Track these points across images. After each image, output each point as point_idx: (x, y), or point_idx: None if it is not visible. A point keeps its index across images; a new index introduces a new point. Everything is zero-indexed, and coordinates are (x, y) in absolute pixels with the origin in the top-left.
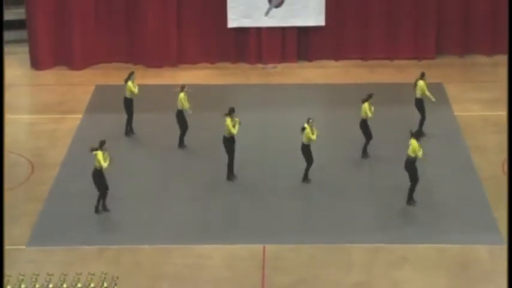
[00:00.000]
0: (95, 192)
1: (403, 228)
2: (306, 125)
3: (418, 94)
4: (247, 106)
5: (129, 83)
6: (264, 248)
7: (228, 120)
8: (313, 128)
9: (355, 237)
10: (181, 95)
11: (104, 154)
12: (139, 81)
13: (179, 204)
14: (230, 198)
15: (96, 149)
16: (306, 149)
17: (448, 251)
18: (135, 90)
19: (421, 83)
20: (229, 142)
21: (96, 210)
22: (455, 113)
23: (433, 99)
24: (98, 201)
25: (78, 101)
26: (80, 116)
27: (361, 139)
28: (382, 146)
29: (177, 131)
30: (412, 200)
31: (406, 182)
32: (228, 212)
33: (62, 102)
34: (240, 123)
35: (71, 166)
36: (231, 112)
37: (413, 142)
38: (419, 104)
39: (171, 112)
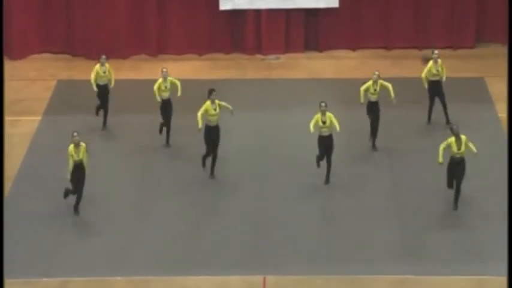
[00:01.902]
0: (56, 213)
1: (434, 256)
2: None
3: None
4: (244, 105)
5: (97, 67)
6: (264, 279)
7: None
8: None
9: (376, 267)
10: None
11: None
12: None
13: (160, 225)
14: (222, 218)
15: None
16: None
17: (489, 283)
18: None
19: (430, 64)
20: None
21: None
22: (499, 114)
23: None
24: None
25: (36, 100)
26: (39, 117)
27: (381, 145)
28: (408, 153)
29: (157, 134)
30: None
31: (437, 198)
32: (220, 235)
33: (16, 101)
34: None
35: (28, 180)
36: (211, 93)
37: (452, 141)
38: (437, 86)
39: (150, 111)
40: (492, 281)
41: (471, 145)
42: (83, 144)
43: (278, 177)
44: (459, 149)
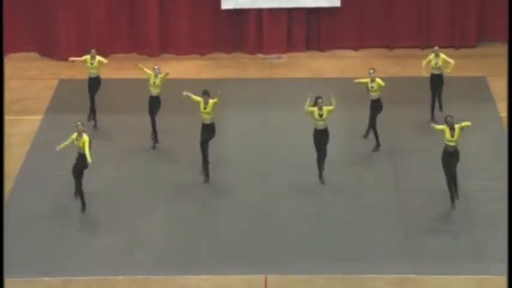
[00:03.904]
0: (57, 212)
1: (436, 256)
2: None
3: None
4: (245, 104)
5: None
6: (265, 279)
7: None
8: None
9: (377, 266)
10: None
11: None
12: (113, 74)
13: (161, 224)
14: (224, 217)
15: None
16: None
17: (489, 283)
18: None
19: (442, 55)
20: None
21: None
22: (502, 114)
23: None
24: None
25: (38, 99)
26: (40, 117)
27: (383, 145)
28: (411, 154)
29: (158, 135)
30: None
31: (437, 198)
32: (221, 235)
33: (17, 101)
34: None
35: (29, 180)
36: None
37: (445, 128)
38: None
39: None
40: (492, 280)
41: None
42: (85, 136)
43: (279, 177)
44: (452, 136)
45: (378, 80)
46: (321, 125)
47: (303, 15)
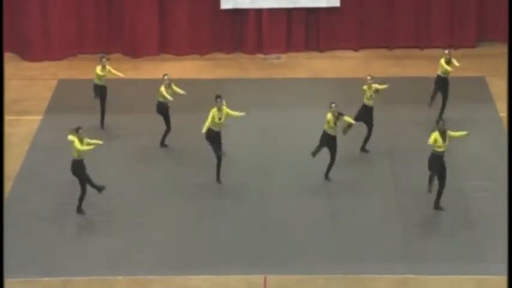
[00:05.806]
0: (57, 212)
1: (436, 256)
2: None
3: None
4: (245, 105)
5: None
6: (265, 279)
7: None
8: (338, 115)
9: (377, 266)
10: (162, 88)
11: (82, 139)
12: (112, 74)
13: (161, 224)
14: (223, 217)
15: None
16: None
17: (489, 283)
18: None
19: (441, 61)
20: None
21: (79, 211)
22: (501, 114)
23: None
24: (80, 200)
25: (37, 99)
26: (40, 117)
27: (382, 146)
28: (410, 154)
29: (157, 135)
30: (439, 206)
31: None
32: (221, 235)
33: (17, 101)
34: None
35: (29, 180)
36: (216, 100)
37: (437, 135)
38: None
39: (150, 111)
40: (492, 280)
41: (457, 134)
42: (86, 139)
43: (279, 177)
44: (444, 141)
45: (374, 85)
46: (330, 131)
47: (302, 15)
